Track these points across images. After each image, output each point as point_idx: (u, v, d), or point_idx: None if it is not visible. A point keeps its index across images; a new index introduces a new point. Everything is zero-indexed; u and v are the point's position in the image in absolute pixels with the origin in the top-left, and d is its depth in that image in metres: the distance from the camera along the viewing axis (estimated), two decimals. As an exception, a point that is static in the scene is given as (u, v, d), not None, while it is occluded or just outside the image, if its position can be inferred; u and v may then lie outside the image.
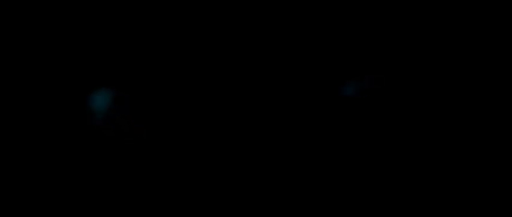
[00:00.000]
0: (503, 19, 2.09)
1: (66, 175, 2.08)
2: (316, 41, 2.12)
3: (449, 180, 2.05)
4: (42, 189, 2.07)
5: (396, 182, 2.06)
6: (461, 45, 2.10)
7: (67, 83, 2.13)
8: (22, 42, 2.13)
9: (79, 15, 2.14)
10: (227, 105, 2.12)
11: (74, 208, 2.05)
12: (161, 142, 2.10)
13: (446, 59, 2.11)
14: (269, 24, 2.12)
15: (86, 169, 2.09)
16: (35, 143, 2.09)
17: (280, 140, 2.09)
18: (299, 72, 2.12)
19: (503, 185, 2.03)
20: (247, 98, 2.12)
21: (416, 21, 2.11)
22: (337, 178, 2.07)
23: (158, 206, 2.07)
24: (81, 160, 2.09)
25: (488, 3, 2.09)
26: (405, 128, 2.08)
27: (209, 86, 2.13)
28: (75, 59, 2.13)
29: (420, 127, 2.08)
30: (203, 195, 2.07)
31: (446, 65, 2.11)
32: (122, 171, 2.09)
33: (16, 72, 2.13)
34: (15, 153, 2.09)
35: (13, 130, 2.10)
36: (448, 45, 2.11)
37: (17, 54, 2.13)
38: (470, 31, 2.10)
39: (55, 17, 2.14)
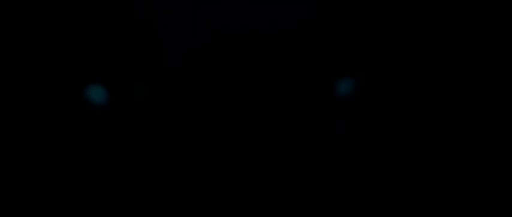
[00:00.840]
0: (496, 19, 2.11)
1: (63, 169, 2.08)
2: (310, 40, 2.14)
3: (444, 179, 2.06)
4: (40, 183, 2.07)
5: (390, 181, 2.07)
6: (454, 45, 2.11)
7: (65, 77, 2.12)
8: (21, 37, 2.13)
9: (78, 11, 2.15)
10: (220, 104, 2.12)
11: (71, 202, 2.06)
12: (158, 137, 2.11)
13: (439, 59, 2.12)
14: (263, 25, 2.13)
15: (83, 163, 2.09)
16: (33, 137, 2.09)
17: (274, 139, 2.10)
18: (293, 72, 2.13)
19: (498, 184, 2.04)
20: (241, 96, 2.12)
21: (409, 21, 2.12)
22: (331, 176, 2.08)
23: (156, 204, 2.08)
24: (78, 154, 2.10)
25: (480, 3, 2.10)
26: (398, 127, 2.09)
27: (204, 85, 2.13)
28: (73, 53, 2.14)
29: (414, 127, 2.08)
30: (200, 193, 2.08)
31: (440, 65, 2.12)
32: (119, 166, 2.09)
33: (14, 66, 2.13)
34: (12, 147, 2.09)
35: (10, 124, 2.10)
36: (442, 44, 2.12)
37: (16, 49, 2.13)
38: (464, 30, 2.10)
39: (54, 12, 2.14)
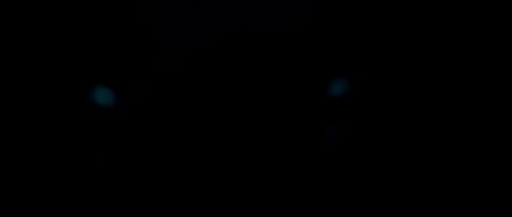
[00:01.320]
0: (488, 16, 2.11)
1: (67, 170, 2.09)
2: (304, 40, 2.14)
3: (439, 179, 2.06)
4: (43, 184, 2.08)
5: (383, 182, 2.07)
6: (447, 45, 2.12)
7: (70, 78, 2.13)
8: (27, 37, 2.14)
9: (77, 12, 2.15)
10: (220, 103, 2.12)
11: (77, 203, 2.07)
12: (157, 137, 2.11)
13: (433, 59, 2.12)
14: (263, 25, 2.13)
15: (87, 164, 2.10)
16: (37, 139, 2.10)
17: (268, 139, 2.10)
18: (286, 72, 2.14)
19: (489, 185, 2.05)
20: (241, 96, 2.12)
21: (402, 21, 2.12)
22: (325, 178, 2.08)
23: (157, 205, 2.09)
24: (83, 155, 2.10)
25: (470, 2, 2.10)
26: (392, 128, 2.09)
27: (203, 85, 2.14)
28: (79, 54, 2.14)
29: (407, 127, 2.09)
30: (198, 192, 2.09)
31: (433, 65, 2.12)
32: (124, 168, 2.10)
33: (20, 67, 2.14)
34: (16, 148, 2.10)
35: (15, 125, 2.11)
36: (436, 45, 2.12)
37: (22, 49, 2.14)
38: (459, 30, 2.12)
39: (52, 14, 2.14)
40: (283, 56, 2.12)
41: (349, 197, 2.06)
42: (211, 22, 2.15)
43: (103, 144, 2.10)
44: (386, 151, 2.08)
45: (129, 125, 2.11)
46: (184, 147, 2.11)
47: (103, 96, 2.10)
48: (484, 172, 2.05)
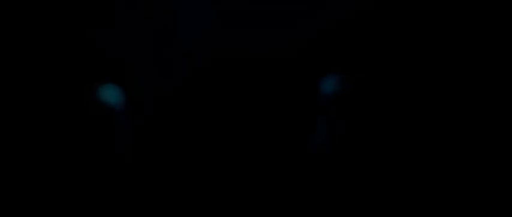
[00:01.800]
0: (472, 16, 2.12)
1: (73, 170, 2.10)
2: (297, 39, 2.15)
3: (433, 178, 2.07)
4: (49, 183, 2.10)
5: (376, 180, 2.07)
6: (440, 44, 2.12)
7: (77, 77, 2.14)
8: (32, 36, 2.15)
9: (88, 10, 2.16)
10: (213, 103, 2.13)
11: (79, 202, 2.09)
12: (160, 137, 2.12)
13: (427, 59, 2.12)
14: (250, 24, 2.14)
15: (93, 165, 2.11)
16: (44, 138, 2.12)
17: (261, 138, 2.11)
18: (280, 70, 2.15)
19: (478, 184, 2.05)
20: (234, 95, 2.13)
21: (395, 21, 2.12)
22: (319, 176, 2.09)
23: (159, 205, 2.11)
24: (88, 155, 2.12)
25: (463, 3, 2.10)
26: (384, 126, 2.09)
27: (202, 84, 2.14)
28: (86, 53, 2.15)
29: (400, 126, 2.09)
30: (193, 192, 2.09)
31: (427, 64, 2.12)
32: (128, 169, 2.11)
33: (28, 66, 2.15)
34: (22, 147, 2.11)
35: (21, 125, 2.13)
36: (428, 45, 2.12)
37: (28, 48, 2.15)
38: (450, 29, 2.12)
39: (68, 10, 2.16)
40: (280, 55, 2.13)
41: (343, 197, 2.06)
42: (211, 22, 2.15)
43: (109, 142, 2.11)
44: (378, 150, 2.08)
45: (131, 124, 2.12)
46: (182, 145, 2.11)
47: (109, 95, 2.11)
48: (480, 172, 2.06)
